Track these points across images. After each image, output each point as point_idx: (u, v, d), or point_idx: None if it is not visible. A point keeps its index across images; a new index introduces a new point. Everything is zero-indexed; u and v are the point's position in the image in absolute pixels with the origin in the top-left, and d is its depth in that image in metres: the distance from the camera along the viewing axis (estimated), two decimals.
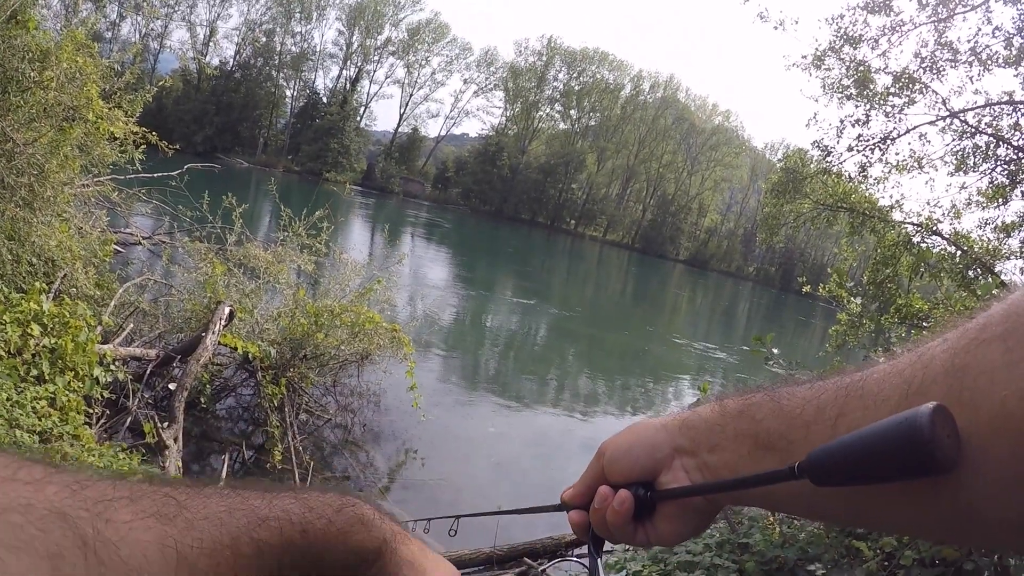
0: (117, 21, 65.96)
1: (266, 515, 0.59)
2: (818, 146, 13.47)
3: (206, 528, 0.53)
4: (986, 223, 12.00)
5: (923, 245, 11.96)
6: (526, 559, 7.32)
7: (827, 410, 0.64)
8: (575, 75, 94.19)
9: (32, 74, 6.90)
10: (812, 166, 14.01)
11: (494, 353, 18.88)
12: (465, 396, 13.19)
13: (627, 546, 6.48)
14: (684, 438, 0.79)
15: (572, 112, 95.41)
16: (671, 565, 5.00)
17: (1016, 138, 11.05)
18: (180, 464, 6.28)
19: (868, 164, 12.83)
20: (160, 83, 11.33)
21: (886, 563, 4.09)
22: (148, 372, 7.66)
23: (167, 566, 0.48)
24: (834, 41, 12.21)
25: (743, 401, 0.75)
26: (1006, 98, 11.08)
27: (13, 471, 0.44)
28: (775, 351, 5.32)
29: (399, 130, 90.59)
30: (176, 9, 73.39)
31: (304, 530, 0.61)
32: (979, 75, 11.18)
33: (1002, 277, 10.63)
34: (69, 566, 0.41)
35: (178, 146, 10.98)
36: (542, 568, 7.28)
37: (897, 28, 11.58)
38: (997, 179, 11.40)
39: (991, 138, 11.31)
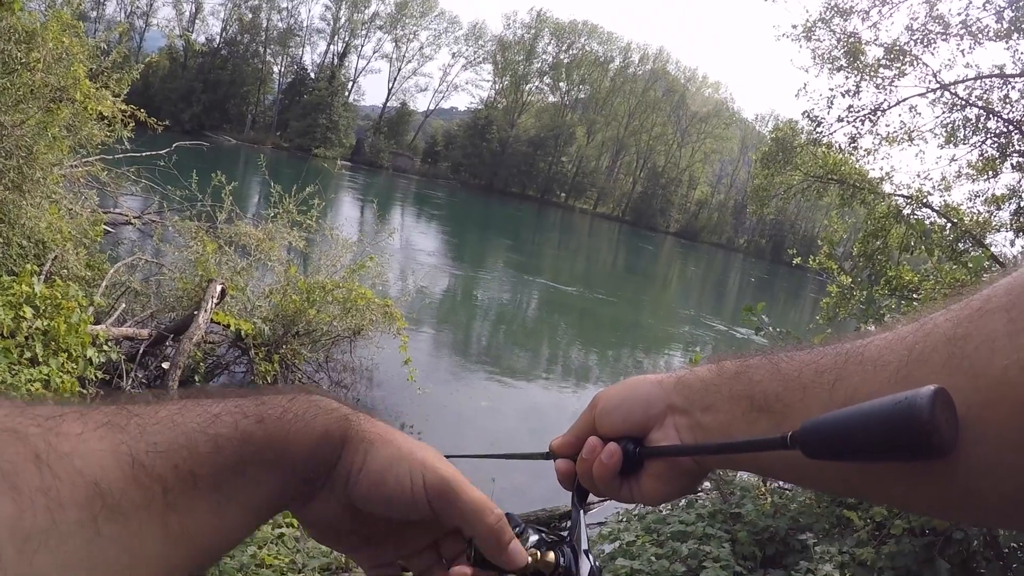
0: (102, 0, 65.31)
1: (218, 411, 0.57)
2: (808, 116, 13.48)
3: (159, 431, 0.52)
4: (976, 195, 12.07)
5: (913, 217, 12.01)
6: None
7: (825, 374, 0.63)
8: (564, 48, 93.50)
9: (18, 55, 6.85)
10: (803, 137, 14.01)
11: (486, 327, 18.92)
12: (457, 370, 13.23)
13: (621, 516, 6.55)
14: (679, 396, 0.78)
15: (561, 85, 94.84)
16: (664, 535, 5.06)
17: (1006, 111, 11.07)
18: None
19: (858, 135, 12.86)
20: (147, 61, 11.24)
21: (876, 532, 4.14)
22: (141, 352, 7.66)
23: (123, 472, 0.47)
24: (824, 12, 12.19)
25: (741, 363, 0.75)
26: (997, 71, 11.09)
27: None
28: (765, 319, 5.34)
29: (388, 105, 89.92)
30: None
31: (260, 419, 0.59)
32: (970, 48, 11.19)
33: (992, 249, 10.70)
34: (24, 481, 0.41)
35: (167, 123, 10.89)
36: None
37: (888, 0, 11.56)
38: (987, 152, 11.44)
39: (981, 111, 11.33)
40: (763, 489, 5.89)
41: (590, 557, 0.84)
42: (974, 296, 0.56)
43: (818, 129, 13.48)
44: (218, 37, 77.60)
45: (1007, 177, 11.58)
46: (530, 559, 0.79)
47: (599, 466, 0.81)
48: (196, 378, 7.97)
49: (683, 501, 5.95)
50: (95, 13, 62.62)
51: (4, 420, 0.43)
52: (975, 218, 11.72)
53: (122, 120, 8.90)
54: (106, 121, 8.61)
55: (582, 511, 0.88)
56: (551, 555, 0.82)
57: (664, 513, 5.60)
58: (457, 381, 12.41)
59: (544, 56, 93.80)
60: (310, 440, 0.62)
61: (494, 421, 10.98)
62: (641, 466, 0.81)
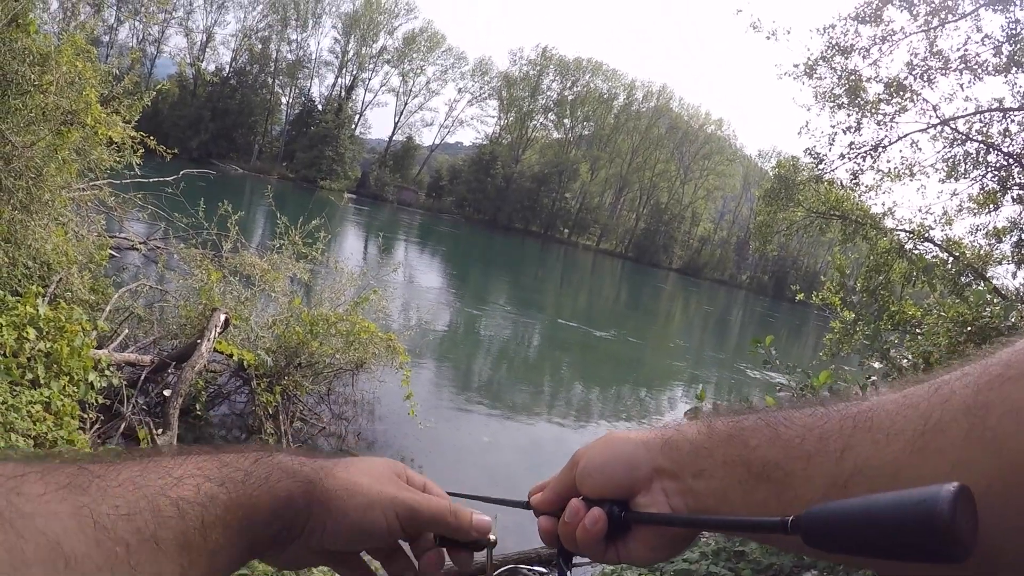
0: (115, 26, 65.68)
1: (180, 474, 0.58)
2: (810, 153, 13.55)
3: (121, 493, 0.52)
4: (977, 229, 12.11)
5: (915, 252, 12.04)
6: (521, 567, 7.30)
7: (831, 441, 0.59)
8: (569, 84, 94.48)
9: (32, 77, 6.92)
10: (804, 173, 14.08)
11: (488, 362, 18.86)
12: (459, 405, 13.17)
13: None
14: (666, 459, 0.73)
15: (566, 121, 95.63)
16: (667, 574, 5.01)
17: (1006, 144, 11.13)
18: None
19: (860, 171, 12.92)
20: (158, 87, 11.34)
21: None
22: (143, 378, 7.64)
23: (86, 534, 0.47)
24: (826, 51, 12.30)
25: (734, 424, 0.70)
26: (996, 105, 11.17)
27: None
28: (773, 352, 5.34)
29: (393, 138, 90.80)
30: (173, 15, 73.18)
31: (222, 483, 0.60)
32: (969, 82, 11.29)
33: (993, 282, 10.72)
34: None
35: (176, 151, 10.96)
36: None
37: (888, 37, 11.68)
38: (988, 185, 11.50)
39: (981, 145, 11.40)
40: None
41: None
42: (992, 360, 0.53)
43: (820, 166, 13.54)
44: (228, 67, 78.42)
45: (1008, 210, 11.65)
46: None
47: (583, 532, 0.77)
48: (197, 406, 7.95)
49: None
50: (107, 38, 63.08)
51: None
52: (976, 251, 11.76)
53: (131, 146, 8.97)
54: (115, 146, 8.67)
55: (568, 572, 0.88)
56: None
57: None
58: (458, 416, 12.35)
59: (549, 92, 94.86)
60: (274, 505, 0.65)
61: (495, 457, 10.91)
62: (628, 529, 0.77)
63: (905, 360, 5.87)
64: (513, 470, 10.52)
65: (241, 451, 0.67)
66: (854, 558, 0.57)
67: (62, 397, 5.47)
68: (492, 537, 0.86)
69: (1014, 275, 11.21)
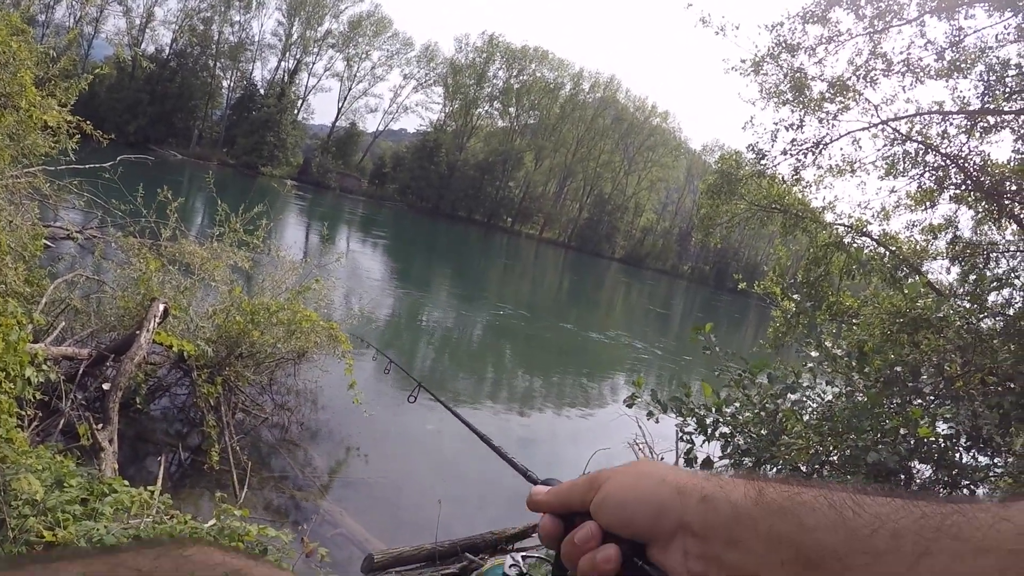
0: (52, 4, 63.69)
1: None
2: (753, 149, 13.72)
3: None
4: (914, 225, 12.43)
5: (854, 246, 12.33)
6: (467, 554, 7.35)
7: (906, 541, 0.52)
8: (515, 73, 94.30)
9: None
10: (747, 168, 14.27)
11: (431, 351, 18.84)
12: (403, 394, 13.11)
13: None
14: (698, 517, 0.65)
15: (511, 110, 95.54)
16: None
17: (944, 146, 11.42)
18: (116, 467, 6.14)
19: (801, 167, 13.12)
20: (95, 70, 11.05)
21: None
22: (81, 372, 7.46)
23: None
24: (773, 48, 12.44)
25: (789, 495, 0.61)
26: (936, 107, 11.44)
27: None
28: (713, 338, 5.41)
29: (337, 124, 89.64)
30: None
31: None
32: (911, 85, 11.53)
33: (928, 276, 11.03)
34: None
35: (112, 136, 10.68)
36: (483, 559, 7.33)
37: (834, 38, 11.86)
38: (925, 184, 11.77)
39: (920, 145, 11.67)
40: None
41: None
42: None
43: (762, 161, 13.73)
44: (168, 48, 76.34)
45: (944, 208, 11.98)
46: None
47: (590, 564, 0.71)
48: (137, 400, 7.79)
49: None
50: (43, 17, 61.10)
51: None
52: (913, 246, 12.08)
53: (67, 131, 8.72)
54: (50, 131, 8.43)
55: None
56: None
57: None
58: (403, 405, 12.30)
59: (495, 81, 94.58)
60: None
61: (440, 445, 10.91)
62: None
63: (839, 350, 6.00)
64: (459, 458, 10.55)
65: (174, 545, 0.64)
66: None
67: None
68: None
69: (948, 270, 11.52)
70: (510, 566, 0.95)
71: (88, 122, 9.25)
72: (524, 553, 0.91)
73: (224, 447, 7.95)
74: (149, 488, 4.60)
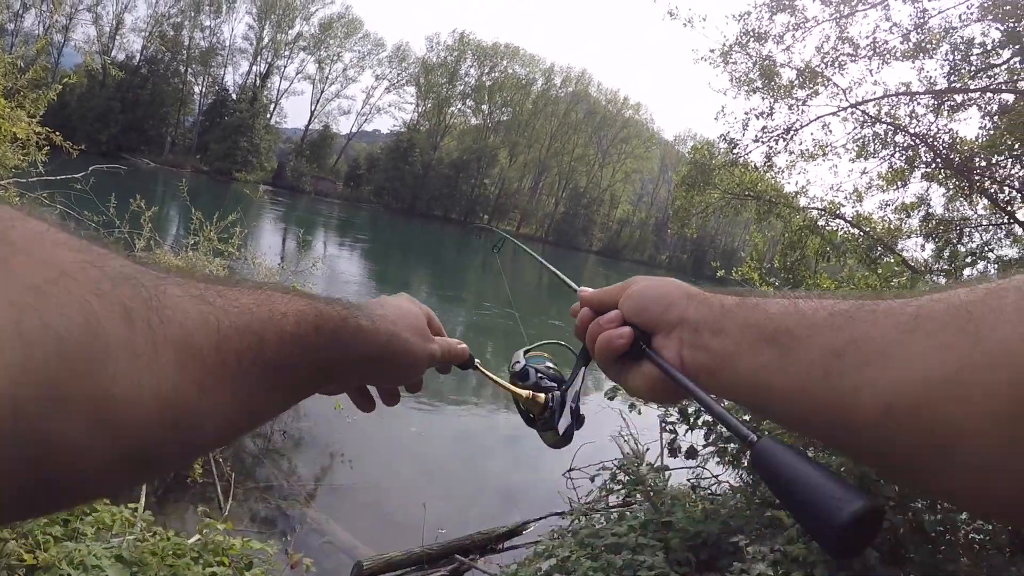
0: (20, 12, 62.89)
1: (285, 311, 0.65)
2: (725, 139, 13.79)
3: (239, 314, 0.58)
4: (886, 205, 12.56)
5: (828, 228, 12.42)
6: (457, 556, 7.32)
7: (838, 316, 0.64)
8: (487, 70, 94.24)
9: None
10: (720, 158, 14.33)
11: None
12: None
13: (555, 534, 6.54)
14: (696, 312, 0.80)
15: (484, 107, 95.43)
16: (598, 548, 5.05)
17: (913, 125, 11.53)
18: None
19: (773, 154, 13.20)
20: (64, 80, 10.89)
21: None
22: None
23: (210, 337, 0.53)
24: (741, 36, 12.51)
25: (762, 298, 0.75)
26: (903, 88, 11.54)
27: (85, 242, 0.48)
28: None
29: (310, 127, 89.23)
30: (82, 1, 70.63)
31: (317, 327, 0.68)
32: (878, 68, 11.64)
33: (903, 254, 11.14)
34: (138, 316, 0.46)
35: (83, 146, 10.55)
36: (471, 559, 7.31)
37: (801, 25, 11.94)
38: (896, 164, 11.88)
39: (889, 126, 11.77)
40: (693, 496, 5.96)
41: (574, 413, 1.03)
42: (996, 280, 0.58)
43: (734, 151, 13.80)
44: (138, 55, 75.78)
45: (915, 187, 12.12)
46: (525, 394, 1.03)
47: (607, 340, 0.87)
48: None
49: (614, 514, 5.99)
50: (12, 26, 60.20)
51: (124, 268, 0.48)
52: (887, 226, 12.20)
53: (37, 143, 8.60)
54: (19, 143, 8.31)
55: (584, 367, 1.04)
56: (541, 397, 1.04)
57: (597, 527, 5.62)
58: (384, 408, 12.23)
59: (467, 78, 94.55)
60: (354, 358, 0.78)
61: (424, 447, 10.87)
62: (640, 361, 0.84)
63: None
64: (444, 459, 10.53)
65: (330, 303, 0.74)
66: (770, 488, 0.65)
67: None
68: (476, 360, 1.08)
69: (923, 247, 11.65)
70: (514, 363, 1.12)
71: (58, 133, 9.11)
72: (527, 347, 1.21)
73: (206, 459, 7.87)
74: (131, 505, 4.54)
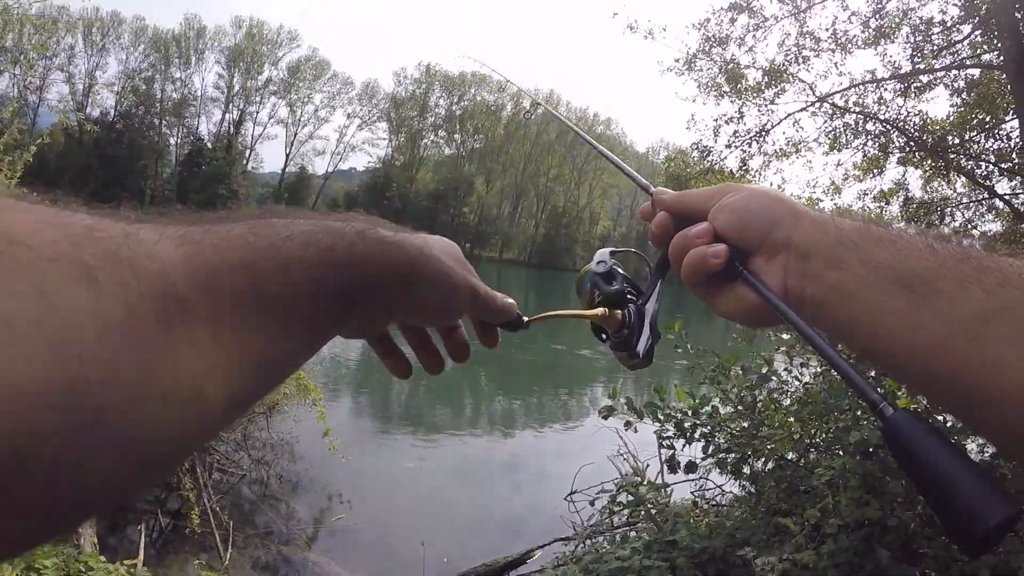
0: None
1: (289, 233, 0.57)
2: (697, 148, 13.84)
3: (230, 249, 0.51)
4: (865, 194, 12.66)
5: None
6: None
7: (989, 273, 0.58)
8: (456, 100, 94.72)
9: None
10: (695, 167, 14.38)
11: (403, 387, 18.65)
12: (380, 434, 12.99)
13: (558, 561, 6.45)
14: (806, 237, 0.71)
15: (456, 136, 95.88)
16: (603, 573, 4.98)
17: (882, 112, 11.63)
18: (95, 540, 5.96)
19: (748, 157, 13.25)
20: (38, 141, 10.82)
21: (813, 534, 4.16)
22: None
23: (197, 281, 0.46)
24: (703, 44, 12.58)
25: (891, 230, 0.68)
26: (869, 76, 11.64)
27: (42, 200, 0.44)
28: (684, 335, 5.39)
29: (287, 170, 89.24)
30: (54, 61, 71.05)
31: (330, 247, 0.59)
32: (842, 59, 11.74)
33: None
34: (104, 275, 0.40)
35: None
36: None
37: (761, 25, 12.03)
38: (870, 152, 11.98)
39: (859, 115, 11.85)
40: (696, 511, 5.90)
41: (652, 329, 0.92)
42: None
43: (708, 158, 13.85)
44: (112, 110, 76.13)
45: (892, 172, 12.24)
46: (599, 312, 0.91)
47: (698, 258, 0.78)
48: None
49: (618, 536, 5.91)
50: None
51: (85, 220, 0.43)
52: (867, 215, 12.27)
53: None
54: None
55: (661, 280, 0.95)
56: (619, 314, 0.92)
57: (601, 552, 5.54)
58: (380, 445, 12.17)
59: (437, 109, 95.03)
60: (379, 272, 0.65)
61: (422, 480, 10.78)
62: (733, 282, 0.77)
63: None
64: (443, 492, 10.42)
65: (345, 219, 0.66)
66: (903, 470, 0.60)
67: None
68: (524, 318, 0.88)
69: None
70: (598, 263, 0.98)
71: (36, 193, 9.03)
72: (612, 248, 1.02)
73: (204, 509, 7.76)
74: (128, 562, 4.45)
